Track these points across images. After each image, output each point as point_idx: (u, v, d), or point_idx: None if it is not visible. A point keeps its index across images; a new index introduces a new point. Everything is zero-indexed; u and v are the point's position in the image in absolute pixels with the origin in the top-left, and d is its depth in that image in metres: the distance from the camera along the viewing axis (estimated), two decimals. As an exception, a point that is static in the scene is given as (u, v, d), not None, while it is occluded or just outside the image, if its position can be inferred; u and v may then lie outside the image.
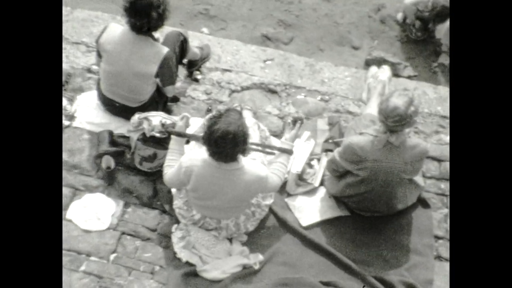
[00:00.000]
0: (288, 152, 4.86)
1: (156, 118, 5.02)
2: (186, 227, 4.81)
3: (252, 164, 4.59)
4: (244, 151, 4.51)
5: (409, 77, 6.20)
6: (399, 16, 6.67)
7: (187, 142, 4.99)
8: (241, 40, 6.29)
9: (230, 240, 4.87)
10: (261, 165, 4.70)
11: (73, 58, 5.84)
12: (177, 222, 4.90)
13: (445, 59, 6.45)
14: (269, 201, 4.96)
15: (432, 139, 5.66)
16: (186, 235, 4.77)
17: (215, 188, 4.55)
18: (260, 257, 4.80)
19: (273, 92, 5.85)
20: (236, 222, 4.78)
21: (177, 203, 4.85)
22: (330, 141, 5.39)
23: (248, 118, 5.05)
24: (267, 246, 4.90)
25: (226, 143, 4.24)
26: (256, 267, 4.75)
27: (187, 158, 4.58)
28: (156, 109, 5.22)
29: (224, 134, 4.21)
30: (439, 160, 5.52)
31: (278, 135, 5.42)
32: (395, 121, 4.41)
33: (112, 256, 4.83)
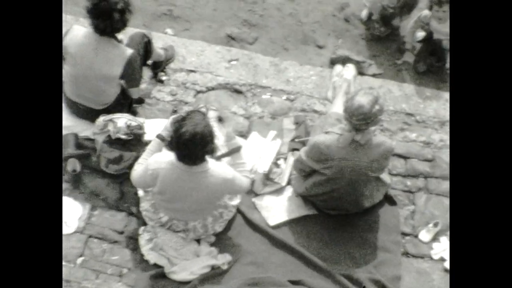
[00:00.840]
0: (237, 150, 4.89)
1: (122, 120, 4.99)
2: (153, 229, 4.79)
3: (218, 166, 4.59)
4: (212, 152, 4.51)
5: (374, 75, 6.22)
6: (363, 14, 6.69)
7: None
8: (206, 41, 6.27)
9: (198, 241, 4.86)
10: (228, 167, 4.70)
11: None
12: (145, 224, 4.88)
13: (409, 57, 6.48)
14: (236, 202, 4.96)
15: (398, 136, 5.70)
16: (153, 237, 4.75)
17: (182, 191, 4.54)
18: (228, 257, 4.80)
19: (238, 92, 5.84)
20: (203, 223, 4.77)
21: (144, 205, 4.84)
22: (297, 140, 5.40)
23: (214, 119, 5.05)
24: (235, 246, 4.91)
25: (195, 144, 4.24)
26: (225, 267, 4.76)
27: (153, 161, 4.56)
28: (121, 111, 5.17)
29: (192, 136, 4.21)
30: (405, 158, 5.56)
31: (244, 135, 5.43)
32: (360, 120, 4.43)
33: (79, 260, 4.80)
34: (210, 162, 4.53)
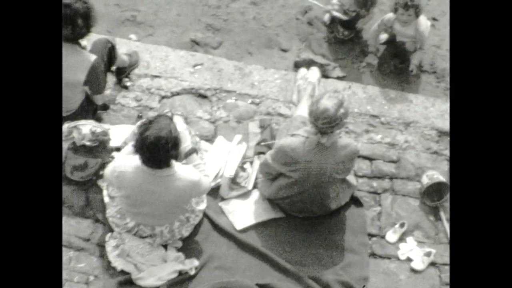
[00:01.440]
0: (192, 151, 4.92)
1: (86, 126, 4.95)
2: (120, 235, 4.76)
3: (184, 169, 4.59)
4: (176, 156, 4.50)
5: (338, 78, 6.25)
6: (326, 17, 6.73)
7: None
8: (170, 46, 6.26)
9: (165, 246, 4.84)
10: (194, 169, 4.69)
11: None
12: (111, 230, 4.84)
13: (372, 59, 6.53)
14: (203, 206, 4.95)
15: (363, 138, 5.73)
16: (120, 244, 4.72)
17: (148, 195, 4.52)
18: (196, 262, 4.79)
19: (203, 97, 5.84)
20: (170, 228, 4.75)
21: (110, 211, 4.81)
22: (262, 143, 5.42)
23: (179, 124, 5.03)
24: (202, 251, 4.90)
25: (158, 148, 4.24)
26: (192, 272, 4.74)
27: (120, 163, 4.56)
28: (86, 118, 5.13)
29: (156, 139, 4.21)
30: (370, 159, 5.61)
31: (210, 139, 5.42)
32: (326, 123, 4.45)
33: (45, 268, 4.75)
34: (177, 165, 4.52)
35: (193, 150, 4.91)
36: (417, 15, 6.06)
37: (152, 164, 4.37)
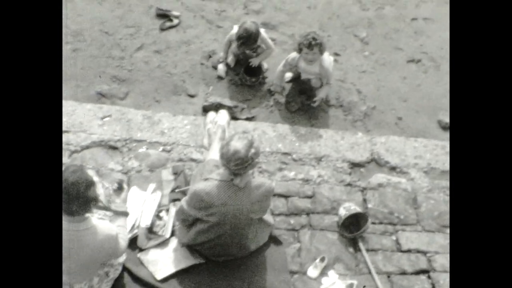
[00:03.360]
0: (124, 214, 4.85)
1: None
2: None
3: (102, 223, 4.49)
4: (90, 203, 4.36)
5: (247, 119, 6.32)
6: (230, 59, 6.80)
7: None
8: (76, 100, 6.20)
9: (85, 304, 4.73)
10: (111, 224, 4.61)
11: None
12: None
13: (280, 98, 6.63)
14: (122, 259, 4.86)
15: (277, 176, 5.77)
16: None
17: (65, 251, 4.40)
18: (118, 318, 4.69)
19: (114, 148, 5.78)
20: (89, 284, 4.63)
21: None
22: (177, 190, 5.39)
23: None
24: (124, 305, 4.80)
25: (68, 194, 4.11)
26: (114, 329, 4.64)
27: None
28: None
29: (66, 183, 4.08)
30: (285, 196, 5.64)
31: (114, 187, 5.36)
32: (238, 165, 4.45)
33: None
34: (94, 219, 4.43)
35: (125, 214, 4.84)
36: (321, 52, 6.18)
37: (65, 211, 4.24)
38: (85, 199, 4.22)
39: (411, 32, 7.92)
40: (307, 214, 5.58)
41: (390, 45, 7.67)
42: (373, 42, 7.65)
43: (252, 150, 4.50)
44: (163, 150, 5.81)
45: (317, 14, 7.89)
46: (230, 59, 6.83)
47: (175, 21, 7.28)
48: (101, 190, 4.96)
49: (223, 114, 6.01)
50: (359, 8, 8.12)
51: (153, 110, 6.24)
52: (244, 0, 7.83)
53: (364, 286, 5.04)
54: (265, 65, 6.82)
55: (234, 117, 6.23)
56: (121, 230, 4.72)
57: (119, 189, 5.11)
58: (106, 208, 4.87)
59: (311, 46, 6.09)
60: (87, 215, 4.36)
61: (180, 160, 5.75)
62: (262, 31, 6.59)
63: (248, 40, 6.38)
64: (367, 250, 5.41)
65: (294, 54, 6.41)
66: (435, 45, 7.78)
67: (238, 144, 4.46)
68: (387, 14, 8.12)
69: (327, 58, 6.38)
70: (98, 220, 4.52)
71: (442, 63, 7.54)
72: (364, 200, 5.76)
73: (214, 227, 4.73)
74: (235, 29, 6.51)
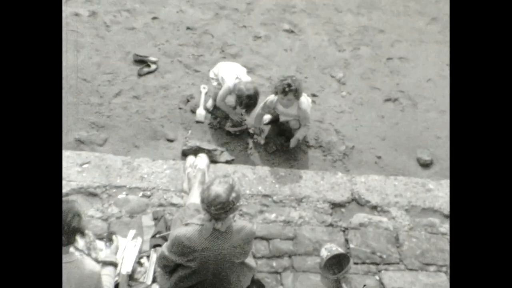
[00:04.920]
0: (113, 264, 4.81)
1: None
2: None
3: (85, 258, 4.43)
4: (73, 238, 4.29)
5: (227, 162, 6.31)
6: (209, 104, 6.83)
7: None
8: (54, 147, 6.16)
9: None
10: (94, 261, 4.54)
11: None
12: None
13: (259, 139, 6.64)
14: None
15: (258, 219, 5.75)
16: None
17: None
18: None
19: (93, 195, 5.74)
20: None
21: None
22: (157, 236, 5.35)
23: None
24: None
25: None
26: None
27: None
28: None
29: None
30: (267, 239, 5.61)
31: (103, 238, 5.29)
32: (219, 209, 4.42)
33: None
34: (77, 254, 4.37)
35: (114, 264, 4.81)
36: (297, 98, 6.21)
37: None
38: (70, 229, 4.16)
39: (387, 72, 8.01)
40: (289, 256, 5.55)
41: (367, 84, 7.74)
42: (350, 82, 7.72)
43: (233, 194, 4.48)
44: (143, 196, 5.78)
45: (294, 56, 7.97)
46: (209, 103, 6.85)
47: (153, 67, 7.31)
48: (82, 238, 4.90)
49: (203, 158, 6.00)
50: (335, 49, 8.21)
51: (132, 156, 6.22)
52: (221, 44, 7.89)
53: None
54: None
55: (213, 160, 6.23)
56: (107, 278, 4.66)
57: (110, 240, 5.06)
58: (95, 260, 4.83)
59: (286, 92, 6.13)
60: (71, 249, 4.31)
61: (161, 205, 5.72)
62: (244, 72, 6.65)
63: (254, 104, 6.42)
64: (350, 291, 5.40)
65: (272, 97, 6.44)
66: (411, 83, 7.87)
67: (219, 189, 4.43)
68: (363, 55, 8.21)
69: (305, 100, 6.42)
70: (80, 255, 4.47)
71: (419, 101, 7.63)
72: (346, 240, 5.75)
73: (196, 273, 4.68)
74: (229, 81, 6.51)
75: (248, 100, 6.30)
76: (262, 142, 6.66)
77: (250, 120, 6.80)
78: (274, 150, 6.58)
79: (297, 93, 6.17)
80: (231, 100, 6.73)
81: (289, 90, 6.10)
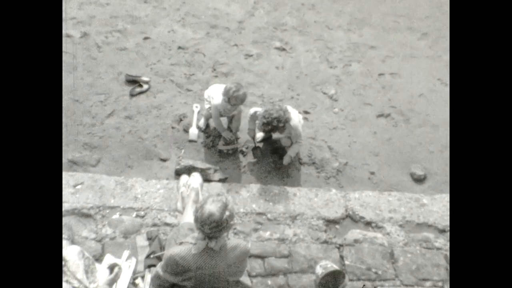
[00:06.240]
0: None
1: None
2: None
3: None
4: None
5: (220, 180, 6.30)
6: (201, 123, 6.83)
7: None
8: (47, 169, 6.15)
9: None
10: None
11: None
12: None
13: (252, 158, 6.64)
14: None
15: (252, 237, 5.74)
16: None
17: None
18: None
19: (87, 216, 5.72)
20: None
21: None
22: (152, 256, 5.33)
23: (70, 248, 4.90)
24: None
25: None
26: None
27: None
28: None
29: None
30: (262, 257, 5.60)
31: (98, 259, 5.28)
32: (213, 227, 4.42)
33: None
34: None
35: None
36: (281, 132, 6.23)
37: None
38: None
39: (379, 87, 8.03)
40: (284, 274, 5.53)
41: (359, 100, 7.76)
42: (342, 98, 7.74)
43: (227, 213, 4.47)
44: (137, 216, 5.77)
45: (286, 73, 7.98)
46: (201, 122, 6.86)
47: (145, 87, 7.31)
48: (82, 260, 4.88)
49: (196, 177, 6.00)
50: (326, 66, 8.23)
51: (126, 176, 6.21)
52: (212, 63, 7.90)
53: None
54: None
55: (207, 179, 6.23)
56: None
57: (111, 270, 5.04)
58: None
59: (269, 131, 6.19)
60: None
61: (154, 225, 5.70)
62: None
63: (277, 127, 6.26)
64: (347, 307, 5.38)
65: (256, 108, 6.45)
66: (403, 99, 7.89)
67: (212, 207, 4.43)
68: (355, 71, 8.24)
69: (295, 118, 6.42)
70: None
71: (411, 116, 7.64)
72: (341, 257, 5.74)
73: (191, 293, 4.68)
74: (216, 100, 6.48)
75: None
76: (255, 160, 6.65)
77: (242, 138, 6.81)
78: (267, 168, 6.58)
79: (282, 128, 6.18)
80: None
81: (272, 128, 6.12)
